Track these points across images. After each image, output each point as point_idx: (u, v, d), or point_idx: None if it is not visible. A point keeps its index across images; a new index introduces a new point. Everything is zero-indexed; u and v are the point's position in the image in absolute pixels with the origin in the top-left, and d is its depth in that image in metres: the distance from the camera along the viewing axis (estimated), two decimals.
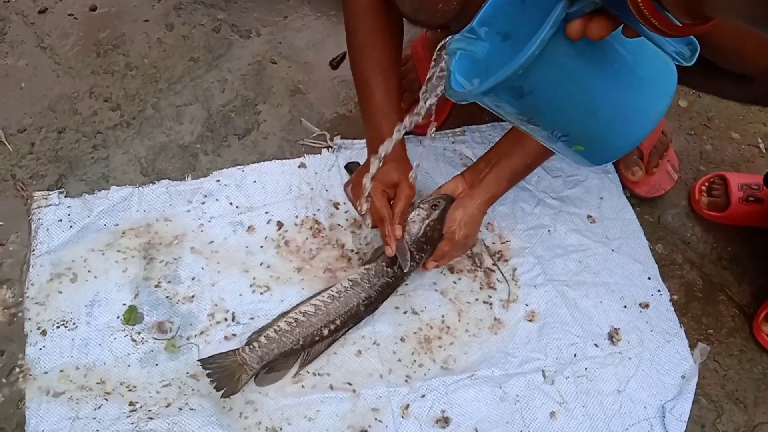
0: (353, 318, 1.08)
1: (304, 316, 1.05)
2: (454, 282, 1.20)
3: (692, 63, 0.52)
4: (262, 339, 1.04)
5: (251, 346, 1.04)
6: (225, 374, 1.01)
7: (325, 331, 1.06)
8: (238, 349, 1.04)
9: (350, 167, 1.24)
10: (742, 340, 1.27)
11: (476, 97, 0.63)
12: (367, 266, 1.09)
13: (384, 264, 1.08)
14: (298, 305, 1.08)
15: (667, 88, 0.63)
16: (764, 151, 1.50)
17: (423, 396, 1.09)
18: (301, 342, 1.05)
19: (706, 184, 1.39)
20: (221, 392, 1.00)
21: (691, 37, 0.51)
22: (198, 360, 1.02)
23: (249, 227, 1.19)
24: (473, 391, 1.10)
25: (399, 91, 1.13)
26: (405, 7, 0.96)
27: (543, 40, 0.54)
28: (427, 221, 1.06)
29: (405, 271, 1.06)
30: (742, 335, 1.27)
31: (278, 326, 1.05)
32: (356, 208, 1.11)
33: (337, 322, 1.06)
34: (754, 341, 1.26)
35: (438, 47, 0.78)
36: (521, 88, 0.58)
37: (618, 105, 0.61)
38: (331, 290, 1.07)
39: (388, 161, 1.06)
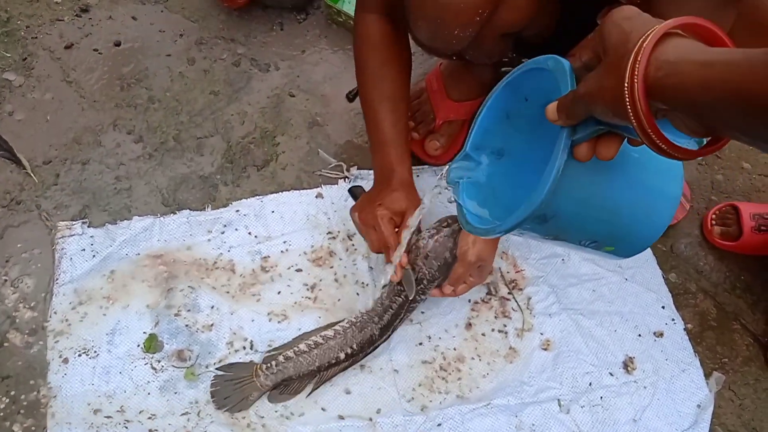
0: (369, 344, 1.09)
1: (323, 339, 1.07)
2: (470, 311, 1.21)
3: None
4: (280, 358, 1.06)
5: (268, 364, 1.06)
6: (236, 386, 1.04)
7: (342, 355, 1.07)
8: (256, 364, 1.06)
9: (354, 191, 1.25)
10: (757, 369, 1.27)
11: (497, 234, 0.65)
12: (382, 294, 1.11)
13: (397, 292, 1.09)
14: (318, 329, 1.10)
15: (677, 171, 0.64)
16: None
17: (439, 425, 1.09)
18: (317, 364, 1.06)
19: (718, 213, 1.40)
20: (227, 407, 1.04)
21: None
22: (216, 368, 1.07)
23: (267, 256, 1.22)
24: (489, 420, 1.11)
25: (407, 120, 1.15)
26: (421, 34, 0.99)
27: (557, 170, 0.55)
28: (436, 236, 1.07)
29: (410, 297, 1.07)
30: (757, 364, 1.27)
31: (297, 348, 1.07)
32: (361, 234, 1.12)
33: (354, 346, 1.08)
34: None
35: (439, 176, 0.81)
36: (544, 216, 0.59)
37: (638, 202, 0.63)
38: (350, 317, 1.09)
39: (396, 189, 1.08)
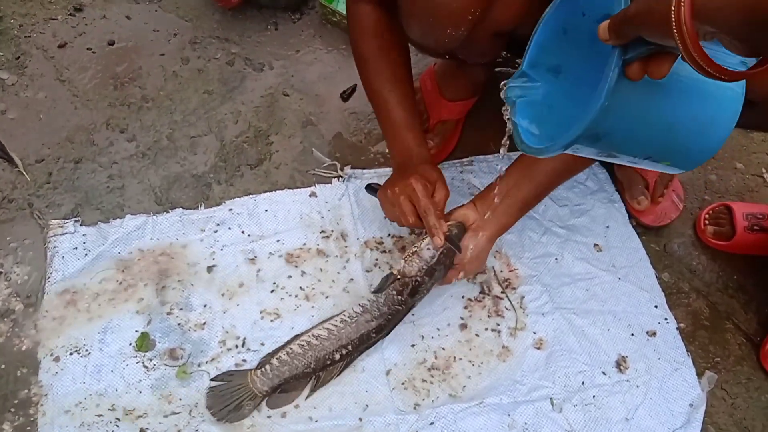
0: (364, 343, 1.09)
1: (317, 339, 1.07)
2: (463, 310, 1.21)
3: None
4: (274, 361, 1.06)
5: (263, 369, 1.05)
6: (233, 395, 1.04)
7: (337, 356, 1.07)
8: (250, 371, 1.06)
9: (374, 187, 1.21)
10: (749, 368, 1.27)
11: (554, 152, 0.64)
12: (377, 293, 1.10)
13: (394, 291, 1.09)
14: (310, 329, 1.09)
15: (735, 96, 0.64)
16: None
17: (431, 423, 1.09)
18: (312, 365, 1.06)
19: (711, 213, 1.41)
20: (225, 418, 1.03)
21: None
22: (210, 378, 1.06)
23: (260, 255, 1.21)
24: (481, 419, 1.11)
25: (416, 105, 1.15)
26: (413, 33, 0.99)
27: (608, 90, 0.55)
28: (441, 249, 1.07)
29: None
30: (749, 363, 1.27)
31: (290, 348, 1.07)
32: (389, 216, 1.12)
33: (349, 347, 1.08)
34: (762, 369, 1.27)
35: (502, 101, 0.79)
36: (597, 134, 0.59)
37: (693, 117, 0.62)
38: (343, 315, 1.09)
39: (420, 165, 1.07)
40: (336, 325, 1.08)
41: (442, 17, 0.92)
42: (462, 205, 1.14)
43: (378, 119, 1.14)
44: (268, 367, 1.05)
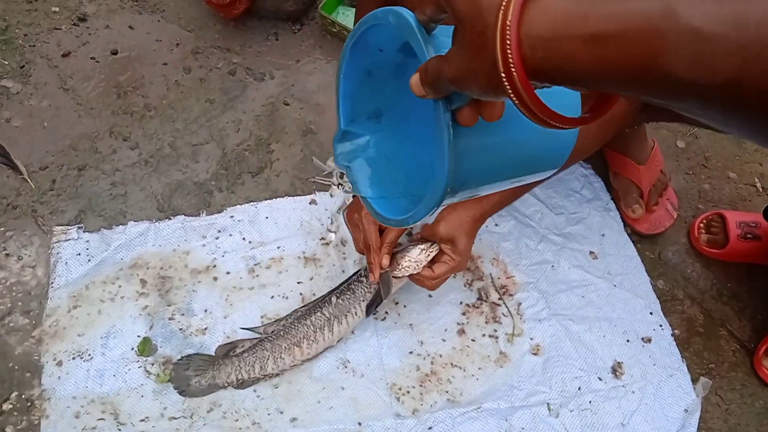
0: (324, 329, 1.12)
1: (284, 329, 1.11)
2: (461, 316, 1.23)
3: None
4: (245, 355, 1.11)
5: (231, 361, 1.10)
6: (197, 372, 1.09)
7: (305, 344, 1.10)
8: (218, 358, 1.11)
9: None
10: (743, 374, 1.29)
11: (413, 224, 0.59)
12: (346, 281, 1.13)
13: (357, 274, 1.12)
14: (281, 320, 1.13)
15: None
16: (761, 189, 1.54)
17: (430, 428, 1.10)
18: (276, 352, 1.11)
19: (705, 221, 1.43)
20: (181, 389, 1.08)
21: None
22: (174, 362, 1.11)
23: (261, 262, 1.23)
24: (479, 424, 1.12)
25: None
26: None
27: (449, 150, 0.49)
28: (424, 264, 1.07)
29: (384, 300, 1.09)
30: (743, 370, 1.29)
31: (260, 344, 1.11)
32: (350, 231, 1.13)
33: (312, 337, 1.11)
34: (756, 376, 1.28)
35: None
36: (453, 190, 0.53)
37: (540, 136, 0.56)
38: (307, 307, 1.13)
39: None
40: (301, 317, 1.12)
41: None
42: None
43: None
44: (236, 359, 1.10)
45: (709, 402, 1.24)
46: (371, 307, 1.11)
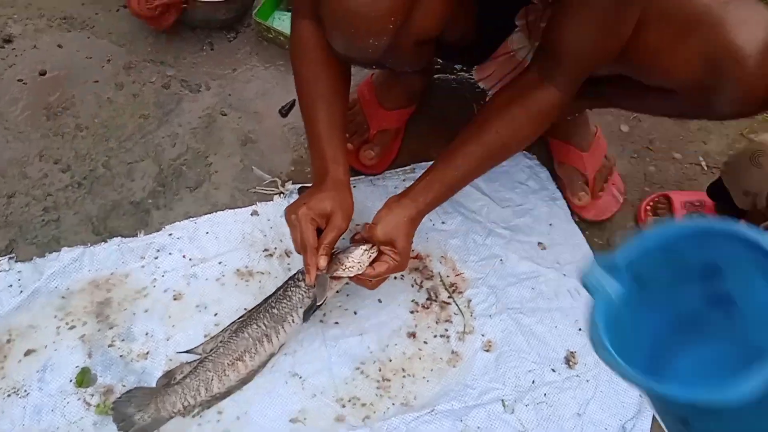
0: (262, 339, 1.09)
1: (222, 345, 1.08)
2: (411, 318, 1.21)
3: None
4: (187, 380, 1.06)
5: (174, 389, 1.06)
6: (140, 409, 1.04)
7: (246, 357, 1.07)
8: (160, 389, 1.06)
9: (302, 191, 1.21)
10: None
11: (638, 387, 0.54)
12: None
13: (293, 278, 1.10)
14: (218, 336, 1.10)
15: None
16: (706, 168, 1.55)
17: None
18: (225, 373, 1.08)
19: (651, 204, 1.43)
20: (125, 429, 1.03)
21: None
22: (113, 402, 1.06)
23: (203, 279, 1.20)
24: (433, 427, 1.11)
25: (344, 120, 1.12)
26: (337, 45, 0.99)
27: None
28: (366, 265, 1.05)
29: (318, 304, 1.06)
30: None
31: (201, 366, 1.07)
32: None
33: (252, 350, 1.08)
34: None
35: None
36: (707, 412, 0.50)
37: None
38: (242, 319, 1.10)
39: (325, 190, 1.04)
40: (237, 331, 1.09)
41: (362, 28, 0.93)
42: (390, 198, 1.11)
43: (306, 133, 1.12)
44: (177, 387, 1.06)
45: None
46: (309, 313, 1.08)
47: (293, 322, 1.09)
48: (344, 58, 1.08)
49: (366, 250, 1.07)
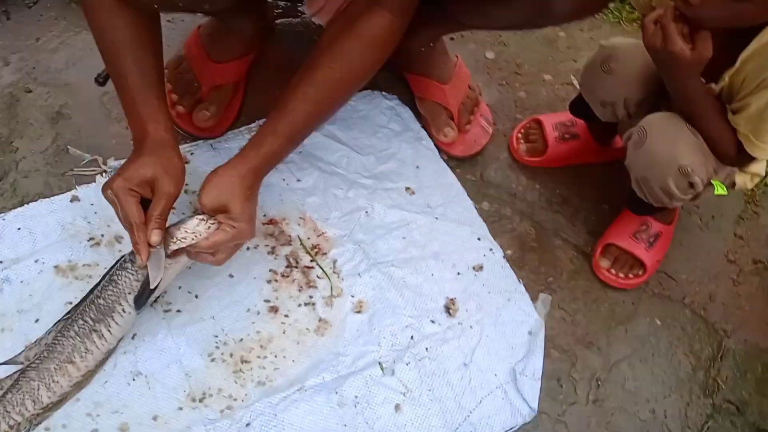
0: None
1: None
2: (269, 290, 1.08)
3: None
4: (9, 396, 0.91)
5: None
6: None
7: (77, 358, 0.92)
8: None
9: None
10: (584, 281, 1.23)
11: None
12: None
13: (119, 263, 0.94)
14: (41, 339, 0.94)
15: None
16: (578, 86, 1.47)
17: (248, 425, 0.96)
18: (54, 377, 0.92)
19: (523, 130, 1.35)
20: None
21: None
22: None
23: (17, 282, 1.03)
24: (305, 405, 0.99)
25: (159, 70, 0.96)
26: None
27: None
28: (204, 236, 0.90)
29: (152, 287, 0.91)
30: (584, 276, 1.23)
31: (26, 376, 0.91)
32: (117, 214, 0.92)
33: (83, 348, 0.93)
34: (597, 280, 1.22)
35: None
36: None
37: None
38: (68, 315, 0.94)
39: (145, 154, 0.88)
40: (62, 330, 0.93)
41: None
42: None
43: (117, 93, 0.95)
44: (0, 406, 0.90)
45: (553, 318, 1.17)
46: (141, 299, 0.93)
47: (124, 312, 0.93)
48: (134, 2, 0.91)
49: (202, 219, 0.92)
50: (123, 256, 0.95)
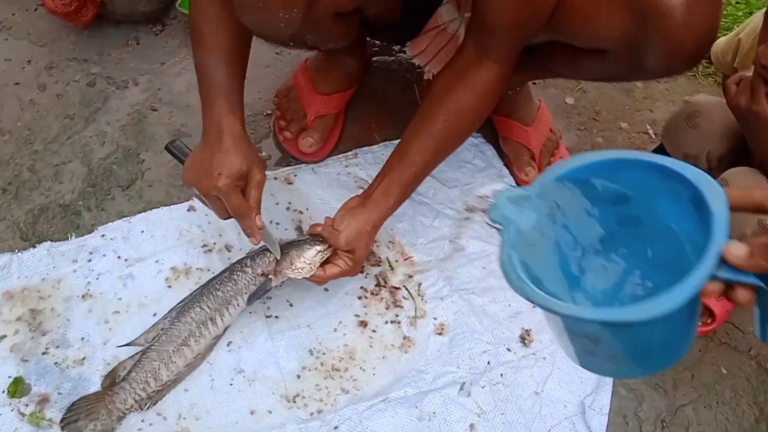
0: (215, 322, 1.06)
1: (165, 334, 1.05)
2: (360, 306, 1.17)
3: None
4: (133, 374, 1.02)
5: (121, 386, 1.02)
6: (89, 421, 0.99)
7: (192, 341, 1.04)
8: (105, 390, 1.02)
9: (175, 149, 1.06)
10: None
11: (553, 311, 0.53)
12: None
13: (240, 261, 1.08)
14: (158, 324, 1.06)
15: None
16: (654, 136, 1.54)
17: (336, 428, 1.05)
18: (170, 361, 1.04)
19: None
20: None
21: None
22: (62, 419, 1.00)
23: (139, 279, 1.15)
24: (387, 415, 1.07)
25: (244, 76, 1.04)
26: (248, 20, 0.93)
27: (682, 302, 0.47)
28: (317, 266, 1.04)
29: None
30: None
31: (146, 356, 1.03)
32: (204, 203, 1.02)
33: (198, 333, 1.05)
34: None
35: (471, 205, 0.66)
36: (617, 329, 0.52)
37: (679, 345, 0.57)
38: (184, 303, 1.07)
39: (229, 150, 0.96)
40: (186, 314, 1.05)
41: (271, 1, 0.88)
42: (350, 199, 1.10)
43: (199, 89, 1.02)
44: (125, 383, 1.01)
45: None
46: (253, 298, 1.06)
47: (237, 305, 1.07)
48: (260, 36, 1.03)
49: (321, 251, 1.04)
50: (243, 259, 1.07)
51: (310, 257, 1.03)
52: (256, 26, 0.94)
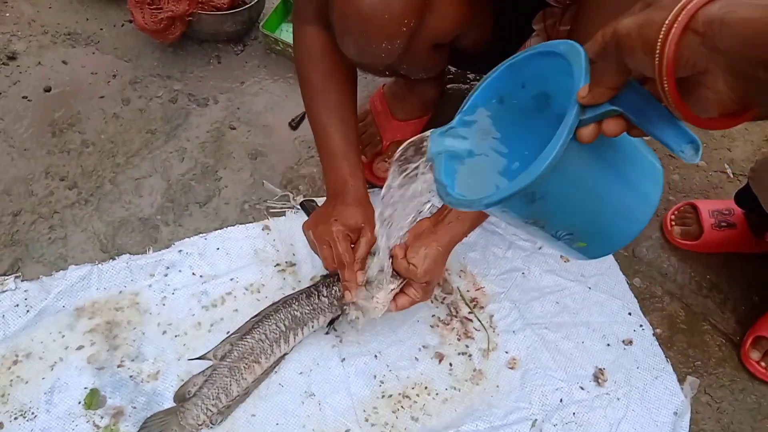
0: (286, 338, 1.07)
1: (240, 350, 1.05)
2: (431, 335, 1.16)
3: (697, 161, 0.50)
4: (204, 390, 1.02)
5: (193, 402, 1.02)
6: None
7: (262, 359, 1.05)
8: (177, 407, 1.02)
9: (306, 206, 1.21)
10: (731, 369, 1.23)
11: (482, 207, 0.60)
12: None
13: (319, 285, 1.08)
14: (227, 340, 1.06)
15: (659, 176, 0.63)
16: (731, 175, 1.50)
17: None
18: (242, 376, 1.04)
19: (677, 213, 1.38)
20: None
21: (694, 135, 0.50)
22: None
23: (214, 296, 1.16)
24: None
25: (357, 132, 1.10)
26: (349, 50, 0.96)
27: (561, 146, 0.52)
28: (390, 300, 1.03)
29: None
30: (731, 364, 1.23)
31: (216, 371, 1.03)
32: (314, 250, 1.07)
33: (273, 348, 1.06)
34: (744, 370, 1.23)
35: (397, 154, 0.75)
36: (533, 195, 0.57)
37: (622, 196, 0.61)
38: (258, 318, 1.07)
39: (351, 204, 1.03)
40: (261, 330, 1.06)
41: (374, 31, 0.89)
42: (421, 220, 1.09)
43: (317, 146, 1.10)
44: (197, 399, 1.02)
45: (698, 402, 1.18)
46: (332, 323, 1.08)
47: (312, 327, 1.08)
48: (357, 65, 1.05)
49: (394, 289, 1.03)
50: (319, 284, 1.08)
51: (384, 299, 1.02)
52: (357, 56, 0.95)
